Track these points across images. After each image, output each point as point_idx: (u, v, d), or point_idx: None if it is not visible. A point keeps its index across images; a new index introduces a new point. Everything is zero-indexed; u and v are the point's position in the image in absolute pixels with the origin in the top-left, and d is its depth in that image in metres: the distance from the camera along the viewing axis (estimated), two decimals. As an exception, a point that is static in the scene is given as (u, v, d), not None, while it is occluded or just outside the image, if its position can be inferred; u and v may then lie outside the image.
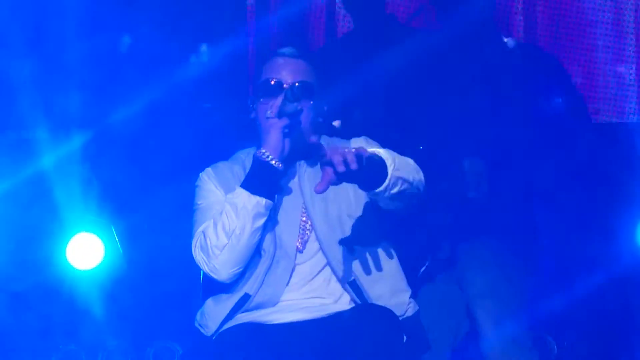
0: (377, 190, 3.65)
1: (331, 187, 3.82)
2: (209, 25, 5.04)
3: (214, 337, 3.91)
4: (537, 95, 4.51)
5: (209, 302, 3.98)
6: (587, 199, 4.75)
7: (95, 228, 4.69)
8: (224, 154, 4.17)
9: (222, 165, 4.09)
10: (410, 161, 3.82)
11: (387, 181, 3.64)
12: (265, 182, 3.85)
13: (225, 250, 3.83)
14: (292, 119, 3.88)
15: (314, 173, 3.97)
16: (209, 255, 3.85)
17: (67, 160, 4.75)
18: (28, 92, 4.75)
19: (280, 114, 3.87)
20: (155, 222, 4.74)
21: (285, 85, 3.94)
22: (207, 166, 4.09)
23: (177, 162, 4.71)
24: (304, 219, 3.95)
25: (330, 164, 3.54)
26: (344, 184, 3.71)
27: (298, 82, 3.94)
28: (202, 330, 3.97)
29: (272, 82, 3.96)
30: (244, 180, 3.89)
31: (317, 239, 3.93)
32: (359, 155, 3.55)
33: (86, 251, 4.68)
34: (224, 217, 3.84)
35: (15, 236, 4.73)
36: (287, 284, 3.90)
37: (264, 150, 3.87)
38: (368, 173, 3.60)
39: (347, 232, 3.93)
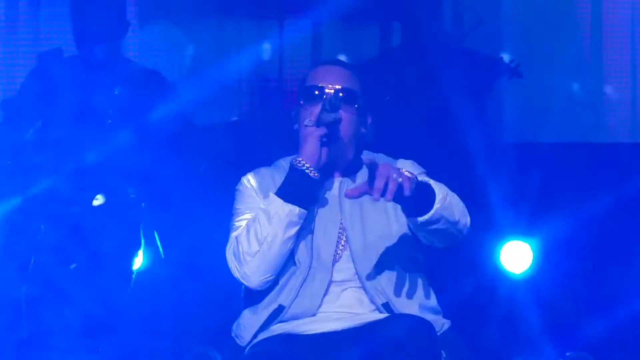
0: (418, 219, 3.60)
1: (372, 209, 3.84)
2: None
3: (247, 348, 3.89)
4: None
5: (245, 312, 3.96)
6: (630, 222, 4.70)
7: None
8: (268, 162, 4.13)
9: (263, 171, 4.04)
10: (461, 203, 3.75)
11: (429, 214, 3.58)
12: (300, 191, 3.80)
13: (256, 258, 3.80)
14: (330, 128, 3.83)
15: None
16: (240, 262, 3.83)
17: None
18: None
19: (318, 123, 3.82)
20: (200, 229, 4.75)
21: (326, 92, 3.88)
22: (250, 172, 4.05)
23: (223, 168, 4.72)
24: (342, 237, 3.89)
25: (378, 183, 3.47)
26: (386, 206, 3.71)
27: (338, 90, 3.89)
28: (237, 341, 3.95)
29: (313, 89, 3.91)
30: (278, 188, 3.84)
31: (352, 261, 3.87)
32: (411, 181, 3.49)
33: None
34: (257, 224, 3.80)
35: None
36: (324, 297, 3.85)
37: (300, 159, 3.82)
38: (414, 200, 3.52)
39: (382, 257, 3.86)
